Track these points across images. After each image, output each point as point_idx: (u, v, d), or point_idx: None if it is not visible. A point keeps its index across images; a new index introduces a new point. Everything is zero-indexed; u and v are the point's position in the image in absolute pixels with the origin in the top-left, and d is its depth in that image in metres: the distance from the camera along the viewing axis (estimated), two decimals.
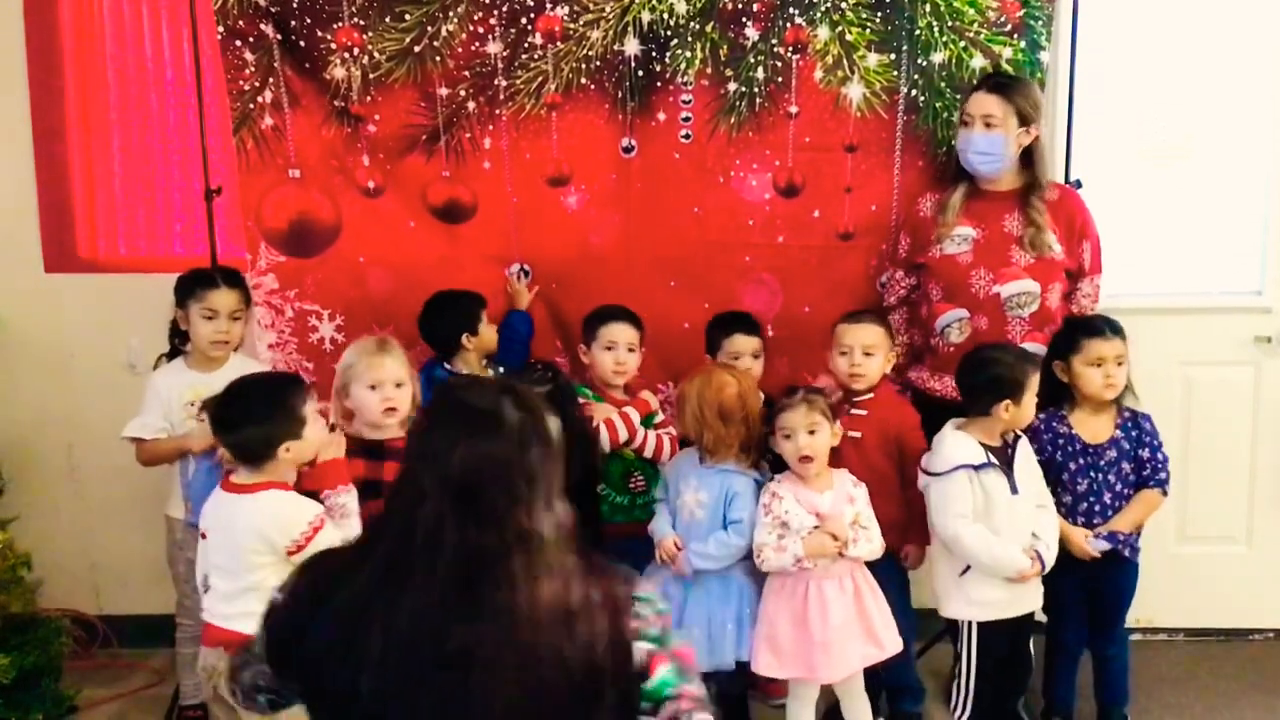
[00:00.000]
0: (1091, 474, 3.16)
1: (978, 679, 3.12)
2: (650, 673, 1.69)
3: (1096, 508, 3.16)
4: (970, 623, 3.10)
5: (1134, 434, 3.18)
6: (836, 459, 3.06)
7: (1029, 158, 3.26)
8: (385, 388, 2.95)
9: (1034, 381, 3.03)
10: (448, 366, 3.39)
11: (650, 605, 1.72)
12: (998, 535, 3.00)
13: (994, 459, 3.01)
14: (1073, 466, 3.16)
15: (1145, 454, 3.17)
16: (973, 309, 3.26)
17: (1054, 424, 3.20)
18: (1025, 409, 3.03)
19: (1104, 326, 3.17)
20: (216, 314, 3.25)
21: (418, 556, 1.61)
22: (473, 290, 3.41)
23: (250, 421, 2.64)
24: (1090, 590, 3.20)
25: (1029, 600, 3.10)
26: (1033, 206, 3.24)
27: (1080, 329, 3.19)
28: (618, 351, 3.30)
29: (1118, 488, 3.17)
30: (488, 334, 3.38)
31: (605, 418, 3.23)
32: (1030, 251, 3.22)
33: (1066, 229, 3.28)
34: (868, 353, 3.17)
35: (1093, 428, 3.19)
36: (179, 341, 3.34)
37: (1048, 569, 3.03)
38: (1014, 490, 3.01)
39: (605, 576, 1.70)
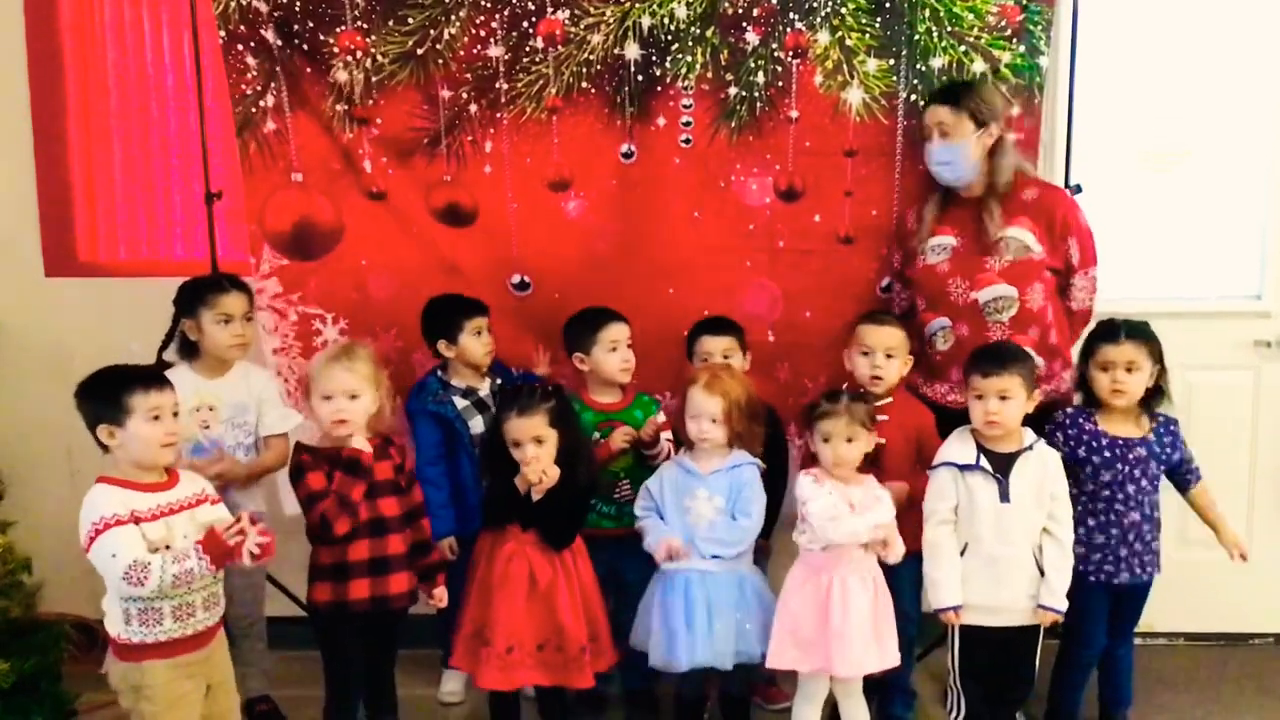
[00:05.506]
0: (1118, 466, 3.09)
1: (963, 680, 3.11)
2: None
3: (1119, 496, 3.10)
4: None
5: (1166, 439, 3.14)
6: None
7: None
8: (337, 399, 2.90)
9: None
10: (440, 375, 3.38)
11: None
12: (980, 541, 2.98)
13: (986, 463, 2.99)
14: (1096, 460, 3.10)
15: (1177, 456, 3.16)
16: (954, 317, 3.28)
17: (1080, 420, 3.15)
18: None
19: (1117, 331, 3.12)
20: (232, 317, 3.24)
21: None
22: (473, 299, 3.39)
23: (83, 396, 2.66)
24: (1114, 597, 3.18)
25: (1012, 615, 3.02)
26: (987, 209, 3.24)
27: (1094, 332, 3.18)
28: (621, 350, 3.31)
29: (1142, 483, 3.10)
30: (470, 345, 3.34)
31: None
32: (1005, 254, 3.22)
33: (1047, 227, 3.27)
34: (889, 355, 3.17)
35: (1121, 429, 3.14)
36: (184, 352, 3.28)
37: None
38: (1004, 498, 2.98)
39: None
